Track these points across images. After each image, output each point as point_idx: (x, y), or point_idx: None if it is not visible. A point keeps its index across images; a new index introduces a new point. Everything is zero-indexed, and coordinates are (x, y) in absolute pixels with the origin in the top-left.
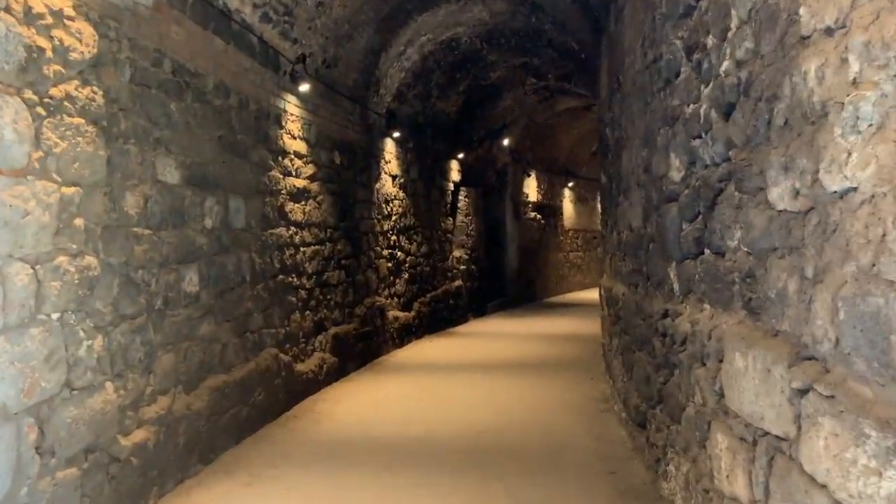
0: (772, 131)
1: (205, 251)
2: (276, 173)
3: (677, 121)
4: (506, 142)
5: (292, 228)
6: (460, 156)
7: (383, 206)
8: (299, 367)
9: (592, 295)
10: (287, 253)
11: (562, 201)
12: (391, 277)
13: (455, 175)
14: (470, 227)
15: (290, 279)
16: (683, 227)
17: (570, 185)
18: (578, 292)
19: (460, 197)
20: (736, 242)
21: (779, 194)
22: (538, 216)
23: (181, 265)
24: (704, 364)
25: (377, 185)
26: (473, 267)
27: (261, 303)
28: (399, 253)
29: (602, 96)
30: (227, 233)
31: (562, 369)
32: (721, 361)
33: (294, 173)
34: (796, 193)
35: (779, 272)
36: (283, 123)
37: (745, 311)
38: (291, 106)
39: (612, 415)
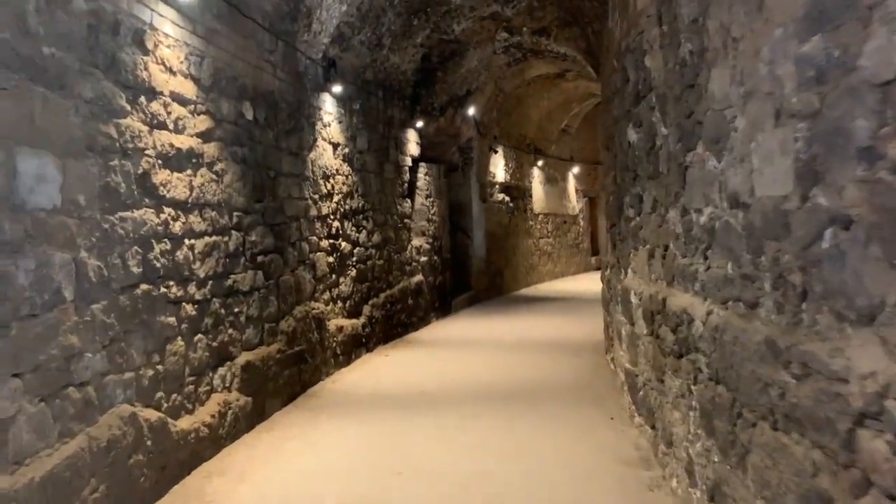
0: None
1: None
2: (133, 122)
3: None
4: (471, 111)
5: (168, 211)
6: (419, 125)
7: (321, 182)
8: (182, 423)
9: (566, 286)
10: (158, 249)
11: (531, 182)
12: (333, 276)
13: (413, 148)
14: (432, 211)
15: (163, 289)
16: None
17: (540, 164)
18: (550, 283)
19: (420, 175)
20: None
21: None
22: (506, 198)
23: None
24: None
25: (312, 155)
26: (436, 258)
27: (102, 333)
28: (344, 243)
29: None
30: (10, 217)
31: (561, 400)
32: None
33: (171, 126)
34: None
35: None
36: (151, 47)
37: None
38: (166, 22)
39: (667, 496)
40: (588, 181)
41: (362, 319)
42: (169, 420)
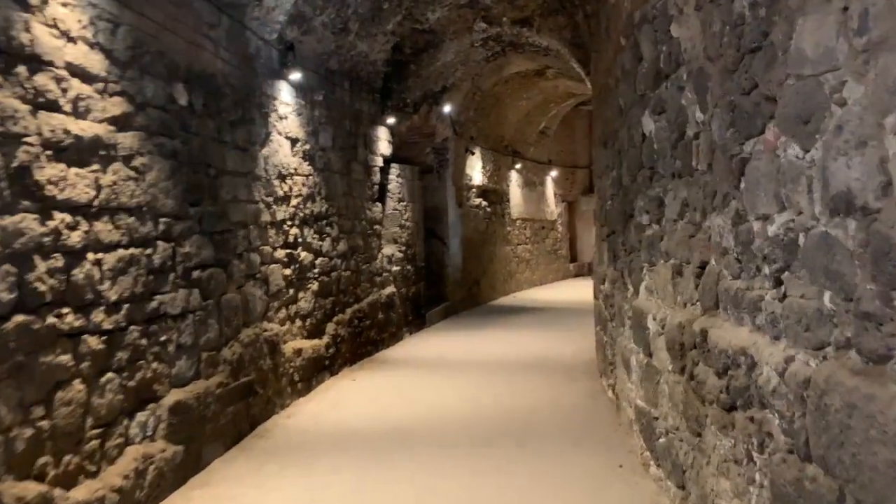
0: None
1: None
2: (4, 99)
3: None
4: (447, 108)
5: (61, 217)
6: (390, 121)
7: (276, 183)
8: (79, 493)
9: (546, 294)
10: (44, 266)
11: (508, 186)
12: (290, 291)
13: (384, 147)
14: (405, 216)
15: (51, 320)
16: None
17: (518, 167)
18: (529, 291)
19: (392, 176)
20: None
21: None
22: (483, 203)
23: None
24: None
25: (265, 151)
26: (409, 267)
27: None
28: (303, 253)
29: None
30: None
31: (557, 440)
32: None
33: (68, 108)
34: None
35: None
36: (36, 2)
37: None
38: None
39: None
40: (566, 185)
41: (325, 339)
42: (57, 493)
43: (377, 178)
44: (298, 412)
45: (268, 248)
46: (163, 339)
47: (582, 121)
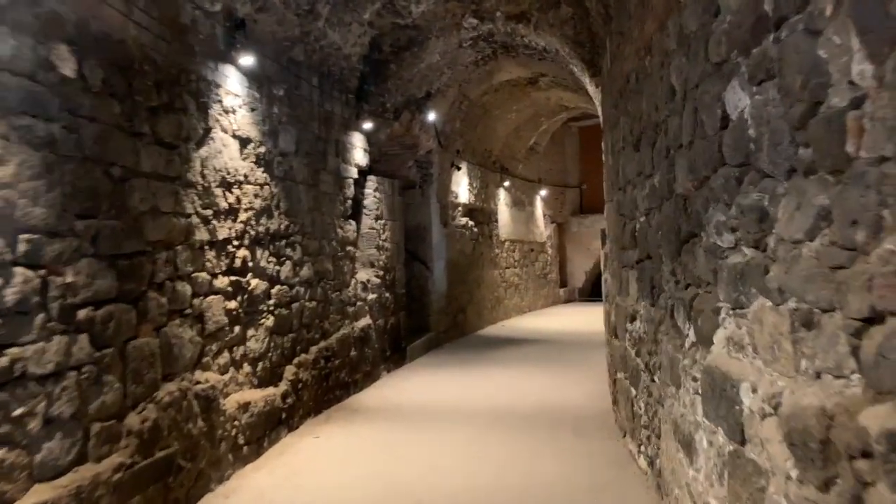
0: None
1: None
2: None
3: None
4: (431, 117)
5: None
6: (367, 127)
7: (218, 192)
8: None
9: (538, 323)
10: None
11: (496, 205)
12: (236, 328)
13: (360, 157)
14: (383, 236)
15: None
16: None
17: (506, 184)
18: (518, 318)
19: (368, 191)
20: None
21: None
22: (470, 223)
23: None
24: None
25: (203, 151)
26: (388, 295)
27: None
28: (255, 281)
29: None
30: None
31: None
32: None
33: None
34: None
35: None
36: None
37: None
38: None
39: None
40: (556, 205)
41: (282, 386)
42: None
43: (351, 191)
44: (241, 488)
45: (204, 276)
46: (18, 412)
47: (572, 138)
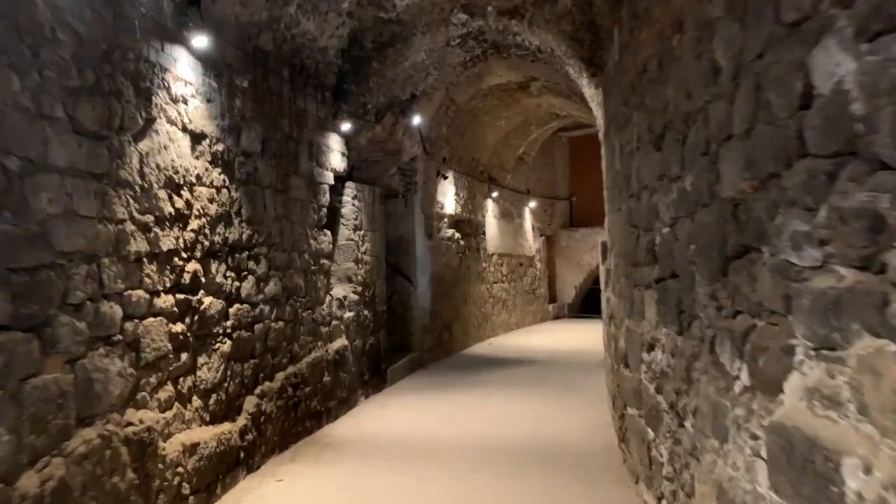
0: None
1: None
2: None
3: None
4: (416, 121)
5: None
6: (346, 128)
7: (162, 195)
8: None
9: (528, 341)
10: None
11: (484, 216)
12: (182, 356)
13: (337, 161)
14: (362, 248)
15: None
16: None
17: (494, 195)
18: (506, 336)
19: (346, 198)
20: None
21: None
22: (457, 235)
23: None
24: None
25: (142, 145)
26: (367, 312)
27: None
28: (208, 299)
29: None
30: None
31: None
32: None
33: None
34: None
35: None
36: None
37: None
38: None
39: None
40: (545, 218)
41: (241, 421)
42: None
43: (326, 198)
44: None
45: (141, 294)
46: None
47: (562, 148)
